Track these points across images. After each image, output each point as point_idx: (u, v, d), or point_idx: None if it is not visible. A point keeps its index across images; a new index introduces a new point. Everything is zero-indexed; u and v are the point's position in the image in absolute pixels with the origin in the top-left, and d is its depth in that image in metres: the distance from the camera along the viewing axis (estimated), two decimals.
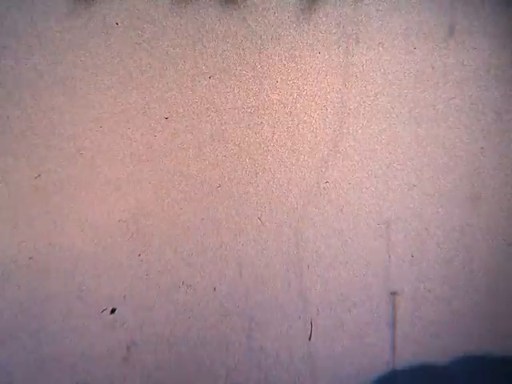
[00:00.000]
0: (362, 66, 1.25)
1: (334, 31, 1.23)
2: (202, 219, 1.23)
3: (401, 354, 1.30)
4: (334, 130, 1.25)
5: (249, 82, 1.23)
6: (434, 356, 1.30)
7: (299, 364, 1.26)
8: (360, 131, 1.25)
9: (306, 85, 1.24)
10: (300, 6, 1.22)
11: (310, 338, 1.26)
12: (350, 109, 1.25)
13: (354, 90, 1.25)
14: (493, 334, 1.31)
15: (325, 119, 1.25)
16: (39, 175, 1.18)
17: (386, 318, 1.28)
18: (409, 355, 1.30)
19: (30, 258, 1.18)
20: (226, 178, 1.23)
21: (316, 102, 1.24)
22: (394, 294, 1.28)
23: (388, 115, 1.26)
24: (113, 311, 1.21)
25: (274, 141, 1.24)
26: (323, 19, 1.23)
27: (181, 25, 1.20)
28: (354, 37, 1.24)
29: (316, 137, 1.25)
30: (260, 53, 1.22)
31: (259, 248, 1.24)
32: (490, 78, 1.27)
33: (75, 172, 1.19)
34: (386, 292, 1.28)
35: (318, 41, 1.23)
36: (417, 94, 1.26)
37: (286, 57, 1.23)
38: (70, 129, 1.19)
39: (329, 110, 1.24)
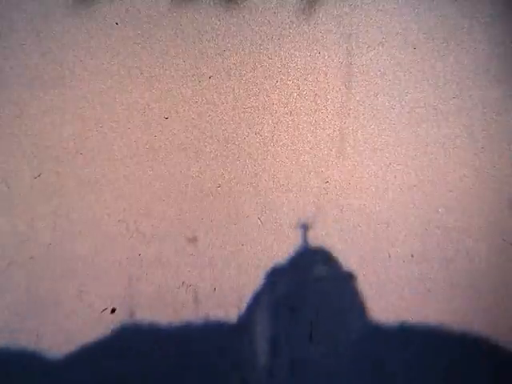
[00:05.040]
0: (362, 65, 1.25)
1: (334, 31, 1.23)
2: (202, 219, 1.23)
3: (401, 353, 1.30)
4: (334, 130, 1.25)
5: (249, 81, 1.23)
6: (432, 356, 1.30)
7: (299, 364, 1.26)
8: (360, 131, 1.25)
9: (306, 85, 1.24)
10: (300, 6, 1.22)
11: (310, 338, 1.26)
12: (349, 109, 1.25)
13: (353, 90, 1.25)
14: (493, 333, 1.30)
15: (325, 119, 1.25)
16: (39, 175, 1.18)
17: (387, 319, 1.28)
18: (408, 355, 1.30)
19: (30, 258, 1.18)
20: (226, 178, 1.23)
21: (316, 102, 1.24)
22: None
23: (388, 115, 1.26)
24: (113, 311, 1.21)
25: (274, 141, 1.24)
26: (323, 19, 1.23)
27: (181, 25, 1.20)
28: (354, 37, 1.24)
29: (316, 137, 1.25)
30: (260, 53, 1.22)
31: (259, 248, 1.24)
32: (490, 77, 1.27)
33: (75, 172, 1.19)
34: (386, 292, 1.28)
35: (318, 41, 1.23)
36: (417, 94, 1.26)
37: (285, 57, 1.23)
38: (69, 129, 1.19)
39: (329, 109, 1.24)
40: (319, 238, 1.26)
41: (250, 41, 1.22)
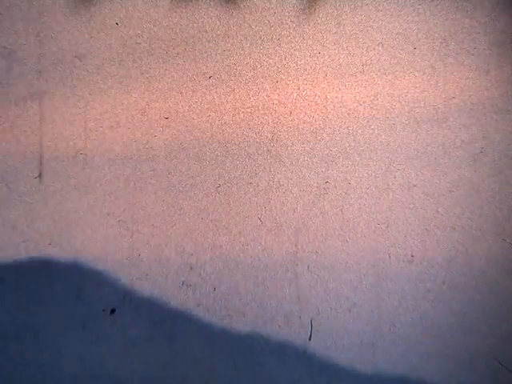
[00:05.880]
0: (362, 65, 1.25)
1: (334, 31, 1.23)
2: (202, 219, 1.23)
3: (400, 353, 1.29)
4: (334, 130, 1.25)
5: (249, 82, 1.23)
6: (432, 357, 1.30)
7: (299, 364, 1.26)
8: (360, 131, 1.25)
9: (306, 85, 1.24)
10: (300, 6, 1.22)
11: (310, 338, 1.26)
12: (349, 109, 1.25)
13: (353, 90, 1.25)
14: (493, 334, 1.30)
15: (325, 119, 1.25)
16: (39, 175, 1.18)
17: (386, 319, 1.28)
18: (408, 355, 1.30)
19: (30, 258, 1.18)
20: (226, 178, 1.23)
21: (316, 102, 1.24)
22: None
23: (388, 115, 1.26)
24: (113, 311, 1.21)
25: (274, 141, 1.24)
26: (323, 19, 1.23)
27: (181, 25, 1.20)
28: (354, 37, 1.24)
29: (316, 137, 1.25)
30: (260, 53, 1.22)
31: (259, 248, 1.24)
32: (489, 77, 1.27)
33: (75, 172, 1.19)
34: (385, 292, 1.28)
35: (318, 41, 1.23)
36: (417, 94, 1.26)
37: (285, 57, 1.23)
38: (70, 129, 1.19)
39: (329, 109, 1.24)
40: (319, 238, 1.26)
41: (249, 41, 1.22)
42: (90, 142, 1.19)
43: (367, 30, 1.24)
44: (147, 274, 1.22)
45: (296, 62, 1.23)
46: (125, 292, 1.21)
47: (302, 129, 1.24)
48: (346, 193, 1.26)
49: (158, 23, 1.19)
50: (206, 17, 1.20)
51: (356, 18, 1.24)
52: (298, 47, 1.23)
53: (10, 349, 1.19)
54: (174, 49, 1.20)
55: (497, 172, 1.28)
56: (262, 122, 1.23)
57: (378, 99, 1.26)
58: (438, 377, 1.30)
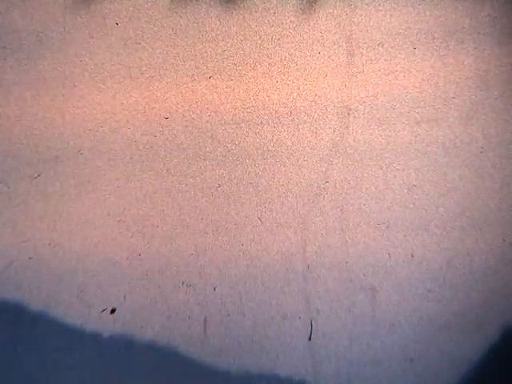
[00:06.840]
0: (362, 65, 1.25)
1: (333, 31, 1.23)
2: (202, 219, 1.23)
3: (400, 353, 1.30)
4: (334, 130, 1.25)
5: (249, 82, 1.23)
6: (431, 357, 1.30)
7: (299, 364, 1.26)
8: (360, 131, 1.25)
9: (306, 85, 1.24)
10: (300, 6, 1.22)
11: (310, 338, 1.26)
12: (349, 109, 1.25)
13: (353, 90, 1.25)
14: (493, 334, 1.30)
15: (325, 119, 1.25)
16: (39, 175, 1.18)
17: (386, 319, 1.28)
18: (408, 355, 1.30)
19: (30, 258, 1.18)
20: (226, 178, 1.23)
21: (316, 102, 1.24)
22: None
23: (388, 115, 1.26)
24: (113, 311, 1.21)
25: (274, 141, 1.24)
26: (323, 19, 1.23)
27: (181, 25, 1.20)
28: (354, 37, 1.24)
29: (316, 137, 1.25)
30: (260, 53, 1.22)
31: (259, 248, 1.24)
32: (489, 77, 1.27)
33: (75, 172, 1.19)
34: (385, 292, 1.28)
35: (318, 41, 1.23)
36: (417, 94, 1.26)
37: (285, 57, 1.23)
38: (69, 129, 1.19)
39: (329, 109, 1.24)
40: (319, 238, 1.26)
41: (249, 41, 1.22)
42: (90, 142, 1.19)
43: (367, 30, 1.24)
44: (147, 274, 1.22)
45: (296, 62, 1.23)
46: (125, 292, 1.21)
47: (302, 128, 1.24)
48: (346, 193, 1.26)
49: (158, 23, 1.19)
50: (206, 17, 1.20)
51: (356, 18, 1.24)
52: (298, 47, 1.23)
53: (8, 348, 1.19)
54: (173, 49, 1.20)
55: (497, 172, 1.29)
56: (261, 122, 1.23)
57: (377, 99, 1.26)
58: (438, 377, 1.30)
